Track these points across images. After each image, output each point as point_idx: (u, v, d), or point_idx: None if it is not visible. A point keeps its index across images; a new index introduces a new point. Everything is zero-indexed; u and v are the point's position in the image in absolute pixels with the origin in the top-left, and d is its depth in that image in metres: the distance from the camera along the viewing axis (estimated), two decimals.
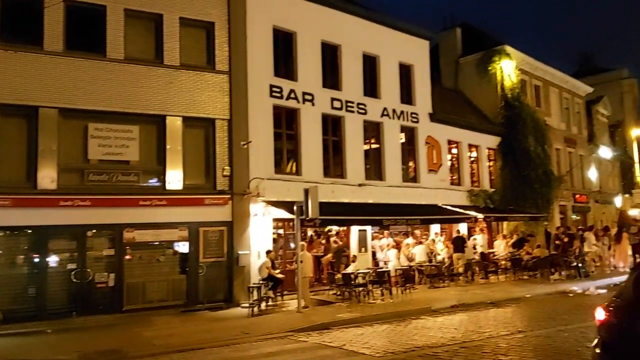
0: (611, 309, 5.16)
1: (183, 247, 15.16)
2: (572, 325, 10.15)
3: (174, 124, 15.30)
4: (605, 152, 35.99)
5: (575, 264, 18.58)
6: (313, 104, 18.15)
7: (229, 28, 16.37)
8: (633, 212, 31.25)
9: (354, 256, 16.68)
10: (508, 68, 26.60)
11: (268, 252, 15.21)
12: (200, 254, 15.13)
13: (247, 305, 13.90)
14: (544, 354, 8.12)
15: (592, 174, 34.44)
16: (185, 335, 11.28)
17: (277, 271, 15.31)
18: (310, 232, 18.80)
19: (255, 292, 13.99)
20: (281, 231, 17.26)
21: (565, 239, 20.48)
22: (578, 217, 32.30)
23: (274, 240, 16.72)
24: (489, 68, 26.67)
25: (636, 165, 35.49)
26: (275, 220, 16.58)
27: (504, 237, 22.35)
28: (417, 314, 12.57)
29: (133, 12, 15.01)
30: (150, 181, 15.06)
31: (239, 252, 15.43)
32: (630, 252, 20.49)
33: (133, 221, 14.29)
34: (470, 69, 27.81)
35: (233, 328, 11.78)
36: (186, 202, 15.03)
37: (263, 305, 14.11)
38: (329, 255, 17.30)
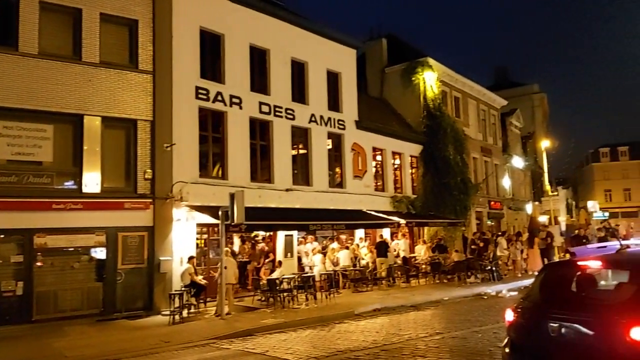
0: (519, 310, 5.48)
1: (100, 253, 14.42)
2: (485, 327, 10.70)
3: (92, 124, 14.54)
4: (518, 161, 38.44)
5: (489, 267, 19.66)
6: (241, 108, 17.97)
7: (154, 27, 15.85)
8: (542, 219, 33.55)
9: (280, 261, 16.64)
10: (430, 79, 27.73)
11: (190, 258, 14.82)
12: (119, 260, 14.49)
13: (168, 312, 13.46)
14: (459, 354, 8.50)
15: (506, 182, 36.64)
16: (100, 345, 10.72)
17: (200, 277, 14.96)
18: (235, 237, 18.57)
19: (177, 299, 13.57)
20: (205, 236, 16.88)
21: (481, 244, 21.63)
22: (493, 223, 34.21)
23: (198, 246, 16.33)
24: (413, 78, 27.68)
25: (545, 175, 38.20)
26: (199, 225, 16.21)
27: (424, 242, 23.23)
28: (340, 318, 12.76)
29: (49, 5, 14.12)
30: (66, 184, 14.21)
31: (161, 258, 14.93)
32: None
33: (45, 226, 13.40)
34: (395, 78, 28.73)
35: (153, 337, 11.37)
36: (104, 205, 14.33)
37: (185, 312, 13.71)
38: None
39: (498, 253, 20.98)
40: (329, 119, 21.57)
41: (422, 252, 22.08)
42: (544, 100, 52.27)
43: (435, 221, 24.63)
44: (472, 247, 21.68)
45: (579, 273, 5.29)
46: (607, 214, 47.66)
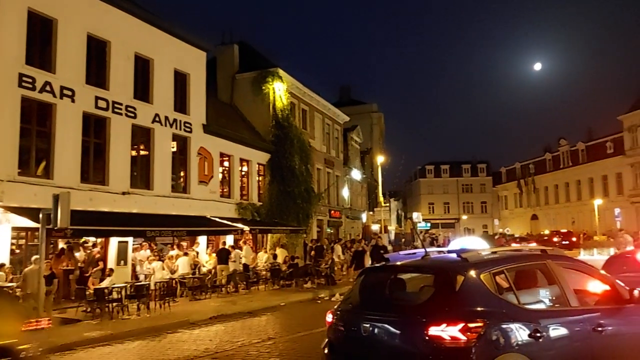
0: (338, 312, 5.82)
1: None
2: (316, 330, 11.10)
3: None
4: (357, 174, 41.14)
5: (325, 273, 20.62)
6: (73, 101, 16.44)
7: None
8: (374, 227, 36.30)
9: (111, 269, 15.51)
10: (280, 90, 28.35)
11: (1, 266, 13.09)
12: None
13: None
14: (288, 357, 8.79)
15: (345, 192, 38.96)
16: None
17: (14, 284, 13.28)
18: (61, 243, 16.91)
19: None
20: (23, 242, 15.09)
21: (312, 253, 22.54)
22: (332, 231, 36.09)
23: (13, 252, 14.52)
24: (263, 87, 28.03)
25: (379, 187, 41.45)
26: (16, 229, 14.47)
27: (266, 251, 23.55)
28: (174, 327, 12.30)
29: None
30: None
31: None
32: (370, 262, 23.62)
33: None
34: (245, 85, 28.82)
35: None
36: None
37: None
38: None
39: (335, 259, 22.12)
40: (175, 120, 20.82)
41: (263, 259, 22.35)
42: (381, 119, 56.78)
43: (279, 228, 25.14)
44: (312, 253, 22.56)
45: (391, 276, 5.80)
46: (429, 224, 53.26)
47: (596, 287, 5.97)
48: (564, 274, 5.50)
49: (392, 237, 31.89)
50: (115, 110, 17.99)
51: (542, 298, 5.47)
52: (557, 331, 4.95)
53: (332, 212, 35.98)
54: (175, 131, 20.81)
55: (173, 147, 20.93)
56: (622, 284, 6.02)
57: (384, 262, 6.14)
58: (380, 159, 40.08)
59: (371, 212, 42.54)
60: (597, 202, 45.79)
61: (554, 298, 5.43)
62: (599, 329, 5.21)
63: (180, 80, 21.60)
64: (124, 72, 18.54)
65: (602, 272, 6.44)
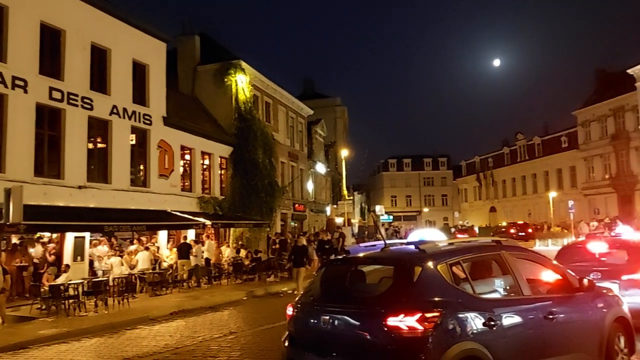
0: (299, 305, 5.82)
1: None
2: (278, 323, 11.08)
3: None
4: (321, 167, 41.25)
5: (288, 266, 20.55)
6: (26, 92, 15.81)
7: None
8: (338, 220, 36.49)
9: (67, 265, 15.07)
10: (243, 82, 28.00)
11: None
12: None
13: None
14: (250, 351, 8.74)
15: (310, 186, 38.99)
16: None
17: None
18: (14, 239, 16.30)
19: None
20: None
21: (277, 246, 22.45)
22: (296, 224, 36.07)
23: None
24: (225, 80, 27.64)
25: (343, 181, 41.69)
26: None
27: (228, 245, 23.32)
28: (133, 323, 12.05)
29: None
30: None
31: None
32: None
33: None
34: (207, 77, 28.35)
35: None
36: None
37: None
38: None
39: None
40: (134, 112, 20.31)
41: (226, 253, 22.15)
42: (345, 113, 56.99)
43: (241, 222, 24.94)
44: (273, 247, 22.49)
45: (352, 269, 5.84)
46: (392, 217, 54.02)
47: (548, 276, 6.18)
48: (517, 264, 5.67)
49: (356, 230, 32.12)
50: (71, 101, 17.41)
51: (496, 288, 5.62)
52: (510, 319, 5.10)
53: (296, 205, 35.93)
54: (134, 123, 20.31)
55: (132, 140, 20.44)
56: (573, 274, 6.27)
57: (340, 256, 6.18)
58: (344, 152, 40.29)
59: (335, 206, 42.69)
60: (552, 194, 47.33)
61: (508, 287, 5.58)
62: (550, 316, 5.40)
63: (139, 72, 21.06)
64: (79, 63, 17.94)
65: (554, 262, 6.67)
